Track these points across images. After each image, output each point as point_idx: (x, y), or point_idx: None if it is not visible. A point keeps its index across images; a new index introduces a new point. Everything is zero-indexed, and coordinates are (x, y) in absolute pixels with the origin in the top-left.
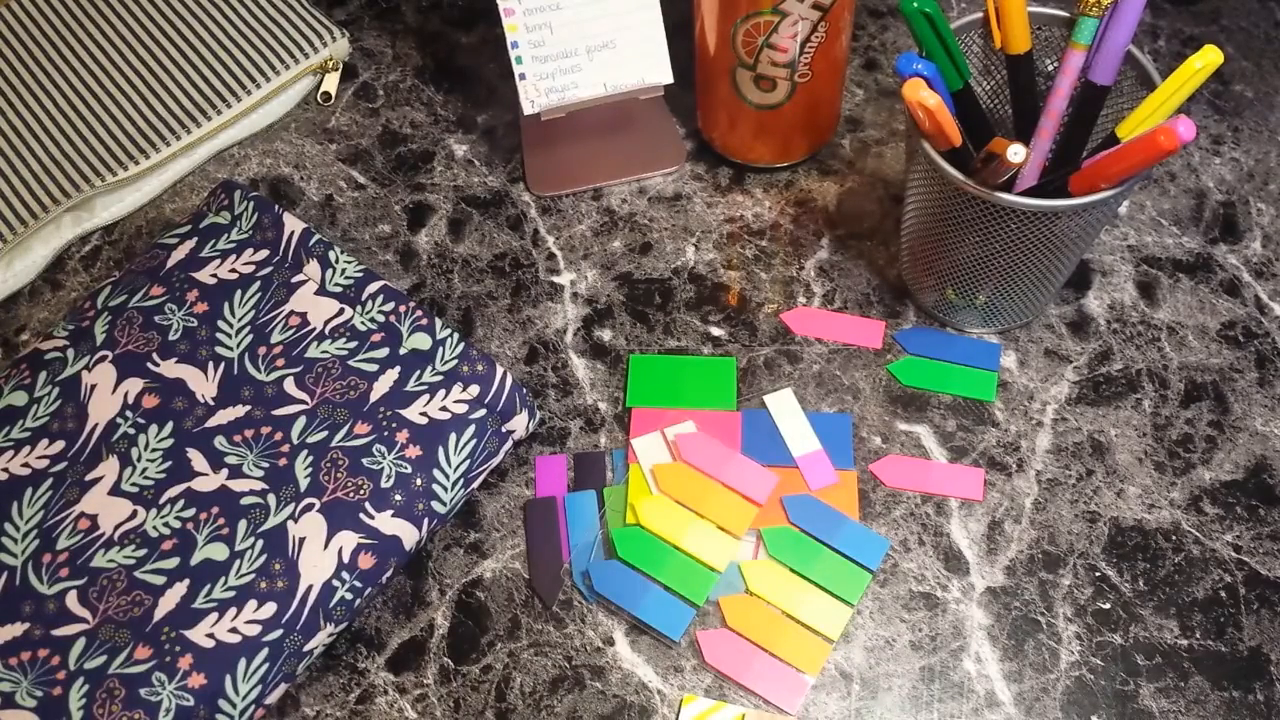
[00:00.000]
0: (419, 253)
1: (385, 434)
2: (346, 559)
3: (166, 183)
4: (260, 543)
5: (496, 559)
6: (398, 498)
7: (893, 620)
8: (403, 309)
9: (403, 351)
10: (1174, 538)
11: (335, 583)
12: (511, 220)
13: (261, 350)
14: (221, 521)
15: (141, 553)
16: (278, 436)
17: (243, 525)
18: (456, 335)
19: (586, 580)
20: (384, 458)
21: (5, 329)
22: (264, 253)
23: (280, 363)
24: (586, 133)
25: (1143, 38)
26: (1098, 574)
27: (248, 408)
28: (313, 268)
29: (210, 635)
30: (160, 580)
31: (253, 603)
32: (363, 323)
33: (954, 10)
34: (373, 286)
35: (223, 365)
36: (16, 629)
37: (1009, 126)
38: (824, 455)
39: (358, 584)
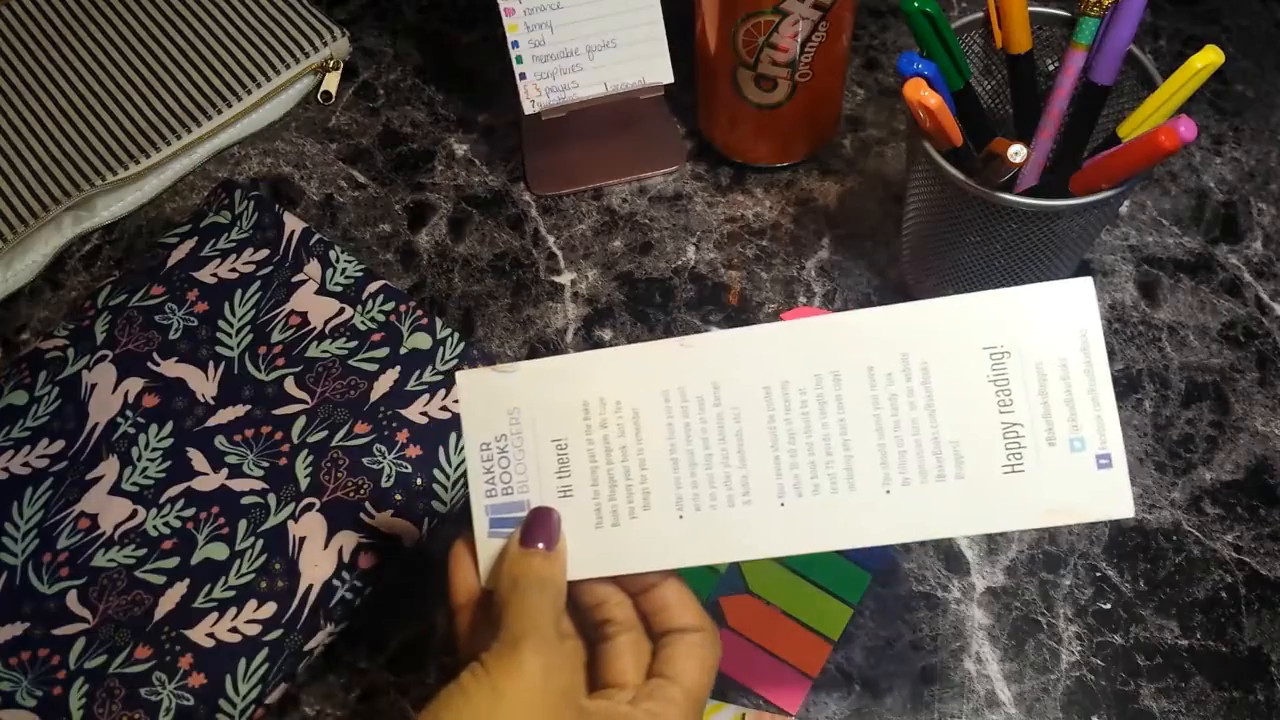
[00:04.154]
0: (419, 252)
1: (385, 434)
2: (347, 559)
3: (167, 182)
4: (260, 542)
5: None
6: (398, 497)
7: (893, 620)
8: (403, 308)
9: (403, 351)
10: (1175, 538)
11: (335, 582)
12: (512, 220)
13: (262, 350)
14: (222, 521)
15: (141, 552)
16: (278, 436)
17: (243, 525)
18: (457, 335)
19: None
20: (384, 457)
21: (5, 328)
22: (264, 252)
23: (280, 362)
24: (587, 132)
25: (1144, 38)
26: (1098, 574)
27: (248, 407)
28: (313, 267)
29: (210, 635)
30: (160, 580)
31: (253, 602)
32: (363, 322)
33: (955, 10)
34: (373, 286)
35: (223, 365)
36: (16, 629)
37: (1010, 126)
38: None
39: (358, 584)
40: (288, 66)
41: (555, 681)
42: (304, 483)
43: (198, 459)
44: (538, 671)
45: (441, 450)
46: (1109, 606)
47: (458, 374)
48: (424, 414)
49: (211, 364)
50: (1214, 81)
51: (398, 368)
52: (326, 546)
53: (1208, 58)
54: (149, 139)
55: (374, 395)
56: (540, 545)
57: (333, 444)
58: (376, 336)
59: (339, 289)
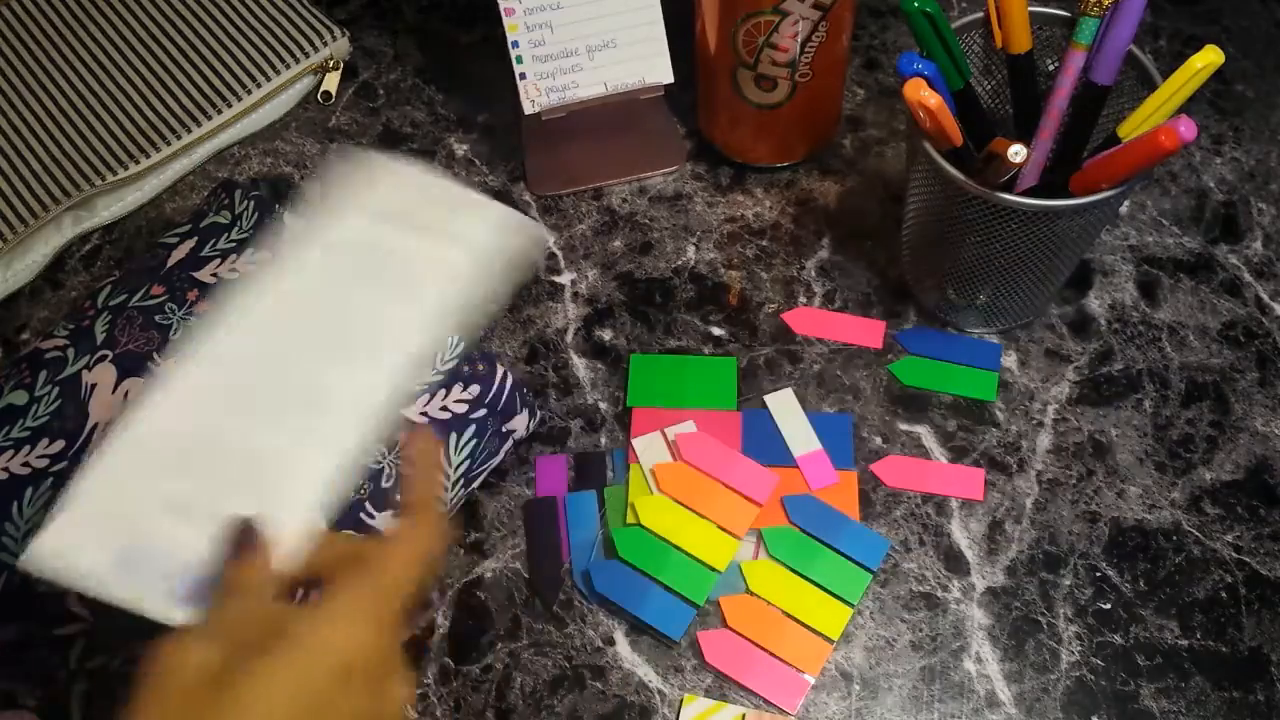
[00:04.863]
0: None
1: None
2: None
3: (167, 182)
4: None
5: (497, 559)
6: (398, 497)
7: (893, 620)
8: None
9: None
10: (1175, 538)
11: None
12: None
13: None
14: None
15: None
16: None
17: None
18: (457, 335)
19: (586, 580)
20: (384, 457)
21: (5, 328)
22: (264, 252)
23: None
24: (587, 132)
25: (1144, 38)
26: (1098, 574)
27: None
28: None
29: None
30: None
31: None
32: None
33: (955, 10)
34: None
35: None
36: (16, 629)
37: (1010, 126)
38: (824, 455)
39: None
40: (288, 66)
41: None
42: None
43: None
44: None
45: (442, 450)
46: (1109, 606)
47: (30, 564)
48: (424, 414)
49: None
50: (1214, 81)
51: None
52: None
53: (1208, 58)
54: (149, 139)
55: None
56: (247, 553)
57: None
58: None
59: None
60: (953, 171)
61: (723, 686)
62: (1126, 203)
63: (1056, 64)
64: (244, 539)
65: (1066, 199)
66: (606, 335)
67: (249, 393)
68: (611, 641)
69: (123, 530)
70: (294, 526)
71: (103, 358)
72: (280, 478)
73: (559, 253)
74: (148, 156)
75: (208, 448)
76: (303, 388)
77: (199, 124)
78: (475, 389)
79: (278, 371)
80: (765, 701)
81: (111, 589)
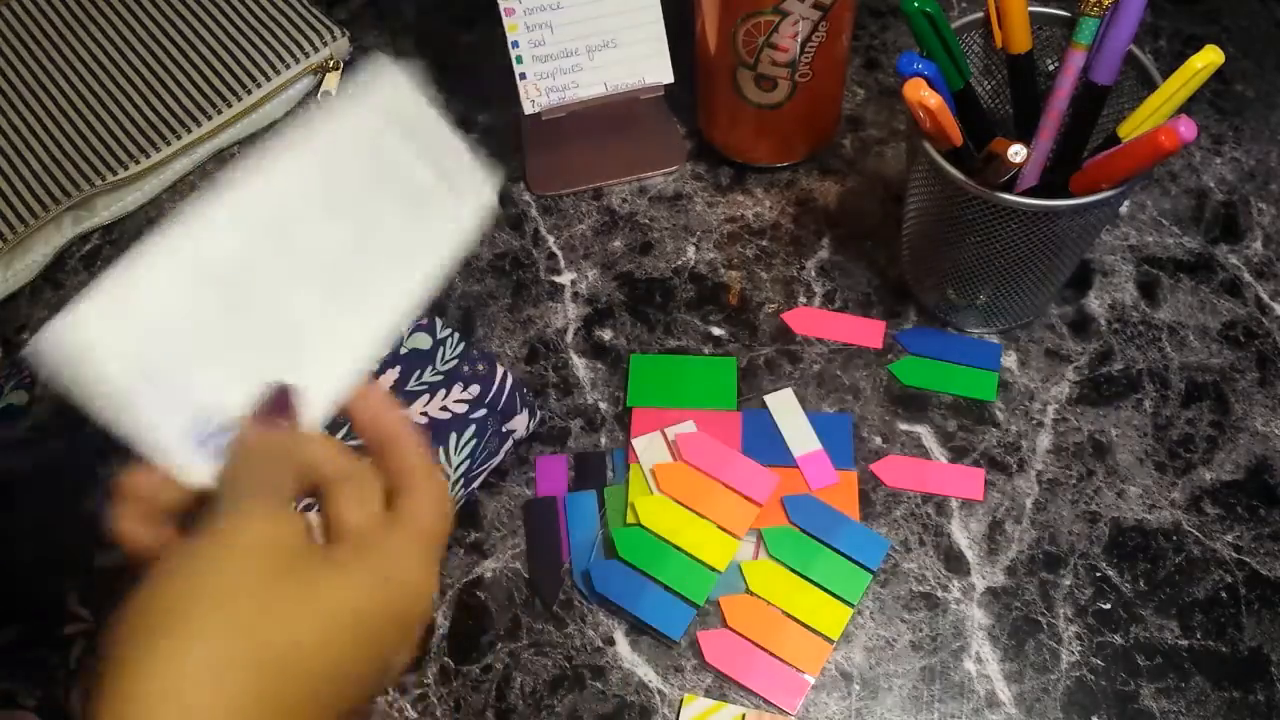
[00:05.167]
0: None
1: None
2: None
3: (167, 182)
4: None
5: (497, 559)
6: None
7: (893, 620)
8: None
9: (403, 351)
10: (1175, 538)
11: None
12: (512, 220)
13: None
14: None
15: None
16: None
17: None
18: (457, 335)
19: (586, 580)
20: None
21: (5, 328)
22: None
23: None
24: (587, 132)
25: (1144, 37)
26: (1098, 574)
27: None
28: None
29: None
30: None
31: None
32: None
33: (955, 10)
34: None
35: None
36: (16, 629)
37: (1010, 126)
38: (824, 455)
39: None
40: (288, 66)
41: (284, 537)
42: None
43: None
44: (270, 526)
45: (441, 450)
46: (1109, 606)
47: (44, 343)
48: (424, 414)
49: None
50: (1214, 81)
51: (398, 368)
52: None
53: (1208, 58)
54: (149, 139)
55: None
56: (281, 422)
57: None
58: None
59: None
60: (953, 171)
61: (723, 686)
62: (1126, 203)
63: (1056, 64)
64: (278, 402)
65: (1066, 199)
66: (606, 335)
67: (293, 246)
68: (611, 641)
69: (150, 344)
70: (319, 400)
71: None
72: (312, 347)
73: (559, 253)
74: (148, 156)
75: (249, 290)
76: (339, 262)
77: (199, 124)
78: (475, 389)
79: (317, 237)
80: (765, 701)
81: (127, 403)
